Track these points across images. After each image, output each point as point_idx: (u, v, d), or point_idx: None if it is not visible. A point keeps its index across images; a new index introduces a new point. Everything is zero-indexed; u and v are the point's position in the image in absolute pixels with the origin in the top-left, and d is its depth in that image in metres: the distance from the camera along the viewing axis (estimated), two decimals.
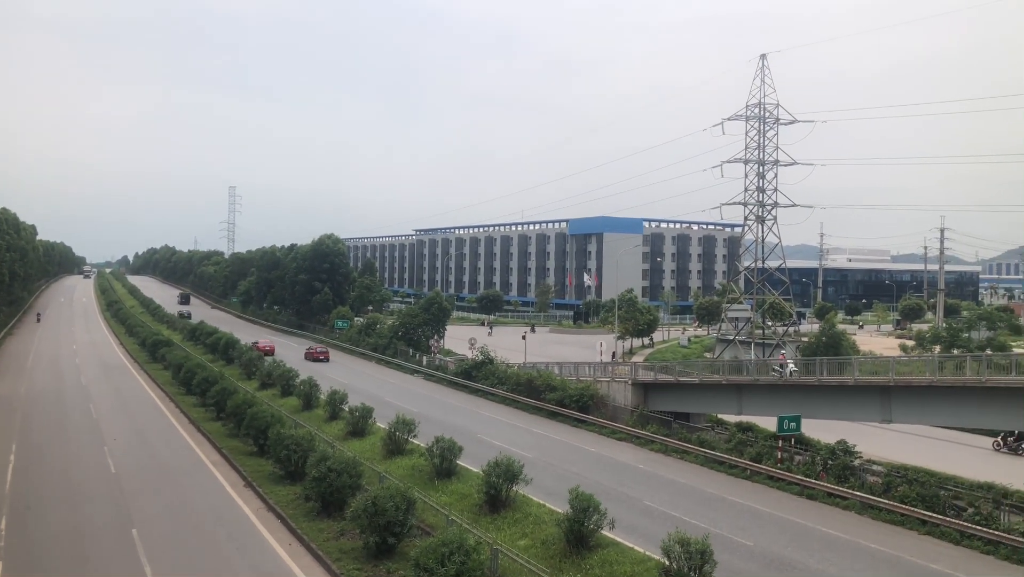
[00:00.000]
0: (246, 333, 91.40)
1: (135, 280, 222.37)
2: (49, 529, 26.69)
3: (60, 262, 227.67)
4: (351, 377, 62.88)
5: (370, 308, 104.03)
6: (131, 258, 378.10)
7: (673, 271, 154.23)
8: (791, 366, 34.79)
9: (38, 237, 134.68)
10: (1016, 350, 66.23)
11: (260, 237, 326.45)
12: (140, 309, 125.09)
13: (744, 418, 45.06)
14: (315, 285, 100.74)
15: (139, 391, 56.32)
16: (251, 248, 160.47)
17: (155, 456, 37.36)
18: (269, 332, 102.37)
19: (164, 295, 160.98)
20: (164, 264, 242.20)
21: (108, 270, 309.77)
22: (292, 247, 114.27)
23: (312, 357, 73.63)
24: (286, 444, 32.54)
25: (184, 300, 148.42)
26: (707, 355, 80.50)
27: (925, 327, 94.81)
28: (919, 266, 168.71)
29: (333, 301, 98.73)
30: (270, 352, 72.83)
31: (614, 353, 78.88)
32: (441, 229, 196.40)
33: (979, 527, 27.52)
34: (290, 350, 79.74)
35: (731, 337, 76.98)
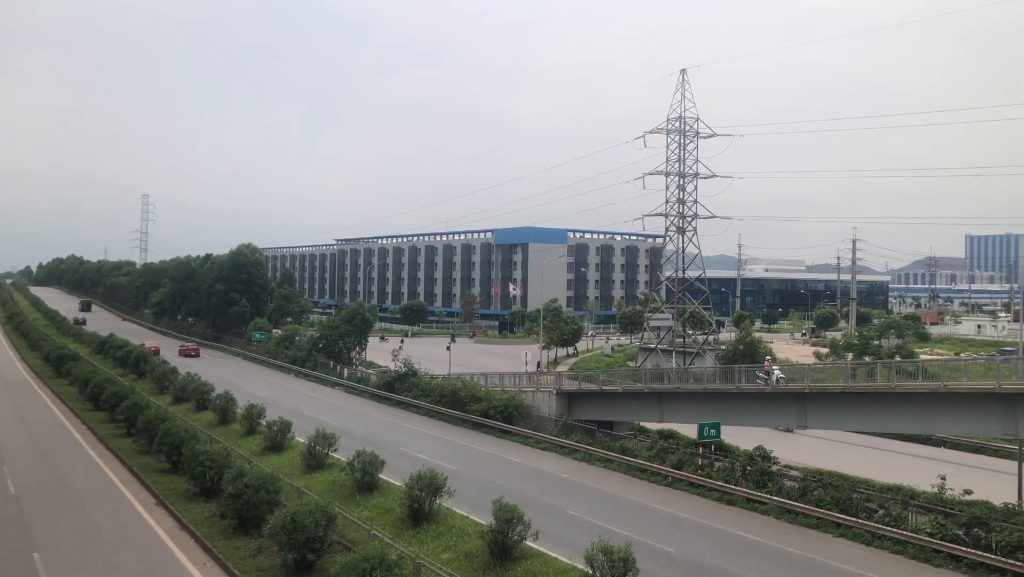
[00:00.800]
0: (159, 346, 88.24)
1: (38, 291, 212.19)
2: None
3: None
4: (269, 391, 61.32)
5: (289, 320, 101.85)
6: (34, 268, 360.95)
7: (597, 281, 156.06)
8: (777, 373, 34.32)
9: None
10: (923, 357, 69.23)
11: (174, 247, 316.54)
12: (44, 322, 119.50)
13: (666, 425, 45.67)
14: (232, 296, 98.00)
15: (42, 408, 53.63)
16: (165, 258, 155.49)
17: (59, 476, 35.51)
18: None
19: (70, 307, 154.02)
20: (71, 274, 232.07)
21: (9, 281, 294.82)
22: (208, 257, 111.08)
23: (185, 353, 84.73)
24: (201, 460, 31.43)
25: (85, 307, 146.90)
26: (630, 364, 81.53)
27: (838, 335, 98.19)
28: (832, 276, 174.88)
29: (251, 313, 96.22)
30: (155, 352, 76.02)
31: (539, 363, 79.12)
32: (364, 239, 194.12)
33: (889, 528, 28.50)
34: (206, 363, 77.31)
35: (653, 346, 78.14)
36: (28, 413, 51.23)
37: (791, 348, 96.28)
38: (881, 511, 30.25)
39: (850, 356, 70.41)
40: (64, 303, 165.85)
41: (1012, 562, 24.92)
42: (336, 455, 37.02)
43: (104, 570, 24.17)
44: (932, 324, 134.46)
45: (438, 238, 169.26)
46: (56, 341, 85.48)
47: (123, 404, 44.45)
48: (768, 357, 35.48)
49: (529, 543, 24.84)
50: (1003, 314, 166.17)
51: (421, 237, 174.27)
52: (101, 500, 31.95)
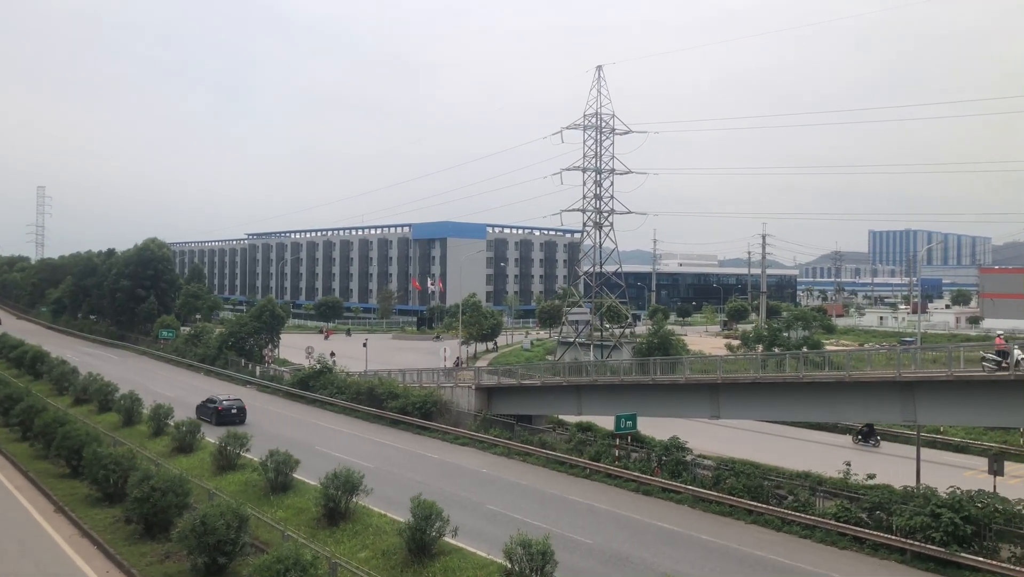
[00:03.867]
0: (57, 345, 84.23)
1: None
2: None
3: None
4: (177, 390, 59.24)
5: (198, 317, 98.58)
6: None
7: (516, 276, 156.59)
8: (1018, 353, 27.36)
9: None
10: (829, 348, 71.87)
11: (74, 242, 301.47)
12: None
13: (584, 418, 46.08)
14: (139, 293, 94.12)
15: None
16: (64, 253, 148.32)
17: None
18: (85, 344, 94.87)
19: None
20: None
21: None
22: (111, 252, 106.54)
23: None
24: (104, 463, 30.09)
25: None
26: (549, 358, 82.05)
27: (749, 327, 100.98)
28: (743, 270, 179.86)
29: (158, 310, 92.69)
30: None
31: (458, 359, 78.78)
32: (276, 233, 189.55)
33: (798, 513, 29.44)
34: (110, 363, 74.20)
35: (571, 340, 78.86)
36: None
37: (704, 340, 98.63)
38: (791, 497, 31.20)
39: (760, 348, 72.60)
40: None
41: (911, 542, 26.04)
42: (248, 455, 36.01)
43: None
44: (838, 316, 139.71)
45: (354, 232, 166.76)
46: None
47: (17, 407, 42.16)
48: (1000, 333, 33.56)
49: (448, 539, 24.63)
50: (903, 306, 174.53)
51: (336, 232, 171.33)
52: None
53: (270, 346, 73.15)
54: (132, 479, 27.48)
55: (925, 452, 35.41)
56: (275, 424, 47.44)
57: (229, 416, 47.01)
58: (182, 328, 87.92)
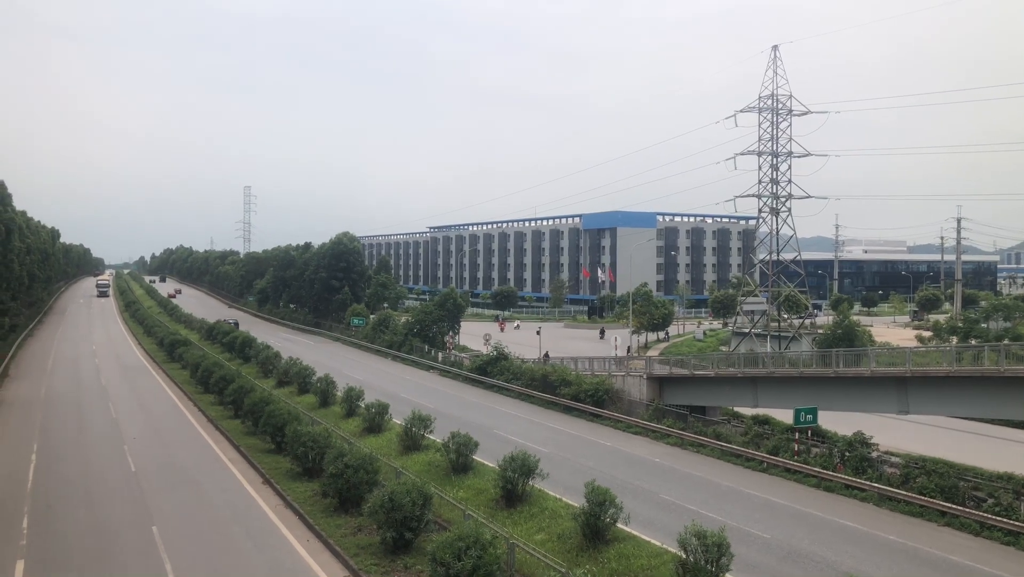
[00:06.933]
0: (261, 331, 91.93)
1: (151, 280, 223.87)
2: (70, 527, 26.97)
3: (79, 264, 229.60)
4: (367, 374, 63.11)
5: (385, 305, 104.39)
6: (148, 259, 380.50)
7: (688, 265, 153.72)
8: None
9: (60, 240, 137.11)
10: None
11: (274, 236, 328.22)
12: (158, 309, 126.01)
13: (760, 411, 44.91)
14: (333, 284, 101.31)
15: (157, 391, 56.78)
16: (266, 247, 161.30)
17: (174, 454, 37.65)
18: (285, 330, 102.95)
19: (183, 295, 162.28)
20: (180, 264, 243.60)
21: (127, 271, 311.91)
22: (307, 246, 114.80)
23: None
24: (303, 441, 32.67)
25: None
26: (723, 348, 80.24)
27: (942, 318, 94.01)
28: (936, 256, 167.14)
29: (350, 299, 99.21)
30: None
31: (629, 347, 78.73)
32: (455, 226, 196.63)
33: (999, 518, 27.34)
34: (307, 348, 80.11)
35: (747, 330, 76.68)
36: (145, 396, 54.36)
37: (892, 332, 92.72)
38: (991, 500, 29.08)
39: (955, 340, 67.49)
40: (166, 290, 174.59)
41: None
42: (431, 437, 37.85)
43: (216, 544, 25.58)
44: None
45: (527, 224, 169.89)
46: (169, 327, 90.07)
47: (230, 387, 46.58)
48: None
49: (621, 526, 24.96)
50: None
51: (510, 224, 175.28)
52: (212, 478, 33.70)
53: (451, 333, 76.27)
54: (328, 456, 29.75)
55: None
56: (455, 407, 49.59)
57: None
58: (371, 316, 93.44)
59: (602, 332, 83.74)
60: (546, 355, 63.01)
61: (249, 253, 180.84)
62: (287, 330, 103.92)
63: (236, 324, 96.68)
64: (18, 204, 63.94)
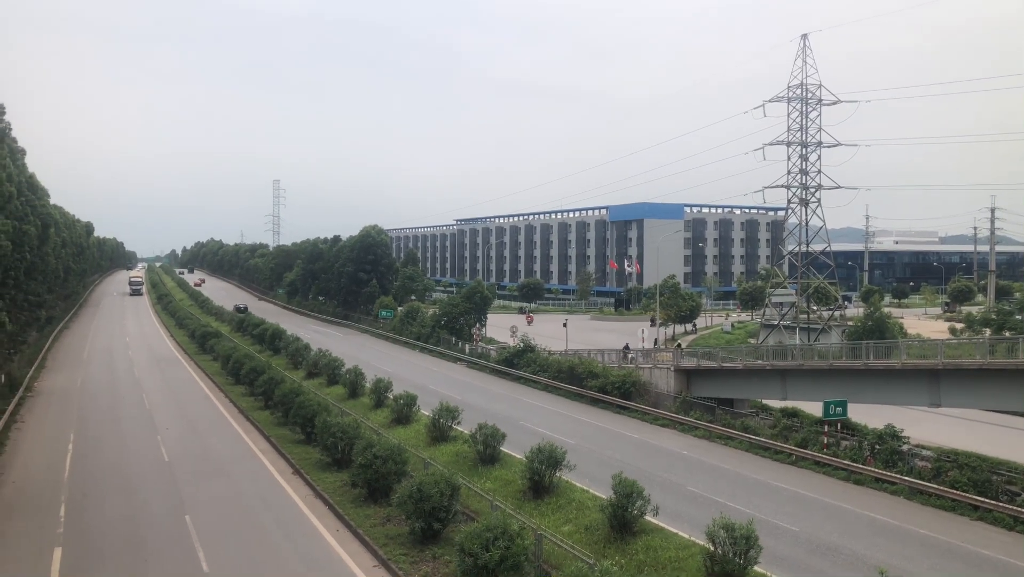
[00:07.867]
0: (291, 324, 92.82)
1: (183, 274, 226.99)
2: (106, 515, 27.55)
3: (112, 257, 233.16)
4: (395, 366, 63.52)
5: (413, 298, 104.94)
6: (179, 252, 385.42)
7: (715, 256, 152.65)
8: None
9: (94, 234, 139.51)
10: None
11: (303, 230, 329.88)
12: (189, 302, 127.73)
13: (789, 403, 44.58)
14: (361, 276, 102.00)
15: (190, 382, 57.64)
16: (295, 240, 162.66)
17: (206, 445, 38.26)
18: (314, 322, 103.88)
19: (211, 287, 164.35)
20: (211, 258, 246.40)
21: (159, 264, 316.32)
22: (336, 239, 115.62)
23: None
24: (332, 432, 33.04)
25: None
26: (751, 340, 79.68)
27: (975, 310, 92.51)
28: (968, 247, 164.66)
29: (378, 292, 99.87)
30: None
31: (656, 340, 78.45)
32: (481, 219, 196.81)
33: None
34: (336, 340, 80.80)
35: (775, 322, 76.07)
36: (177, 387, 55.21)
37: (923, 324, 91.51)
38: None
39: (988, 332, 66.46)
40: (207, 284, 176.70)
41: None
42: (459, 428, 38.07)
43: (248, 532, 26.00)
44: None
45: (553, 216, 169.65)
46: (200, 320, 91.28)
47: (261, 379, 47.19)
48: None
49: (649, 518, 25.00)
50: None
51: (536, 216, 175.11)
52: (243, 468, 34.22)
53: (478, 325, 76.52)
54: (357, 447, 30.10)
55: None
56: (483, 399, 49.79)
57: None
58: (399, 308, 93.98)
59: (652, 321, 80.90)
60: (626, 347, 61.88)
61: (278, 246, 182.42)
62: (316, 322, 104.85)
63: (245, 308, 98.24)
64: (54, 199, 65.08)
